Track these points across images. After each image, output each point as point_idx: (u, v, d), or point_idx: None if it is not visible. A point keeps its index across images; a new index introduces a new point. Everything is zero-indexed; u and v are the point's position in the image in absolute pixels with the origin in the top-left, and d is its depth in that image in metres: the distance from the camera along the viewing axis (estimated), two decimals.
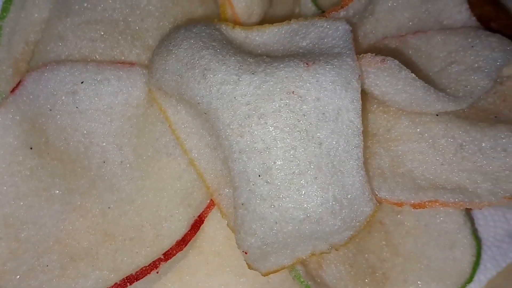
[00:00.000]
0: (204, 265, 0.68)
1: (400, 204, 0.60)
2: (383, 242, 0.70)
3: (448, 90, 0.63)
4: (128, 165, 0.65)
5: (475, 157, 0.62)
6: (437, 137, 0.62)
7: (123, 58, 0.66)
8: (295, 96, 0.53)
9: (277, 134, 0.53)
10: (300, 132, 0.53)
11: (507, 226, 0.77)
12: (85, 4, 0.66)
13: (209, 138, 0.61)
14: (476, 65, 0.65)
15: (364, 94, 0.64)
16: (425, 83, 0.60)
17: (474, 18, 0.72)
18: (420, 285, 0.68)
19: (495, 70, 0.65)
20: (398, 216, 0.70)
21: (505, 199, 0.60)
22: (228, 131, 0.53)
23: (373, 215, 0.56)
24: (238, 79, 0.53)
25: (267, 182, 0.53)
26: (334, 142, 0.53)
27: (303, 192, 0.53)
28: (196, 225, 0.64)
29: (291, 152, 0.53)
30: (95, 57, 0.65)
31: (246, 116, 0.53)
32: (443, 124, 0.63)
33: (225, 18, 0.67)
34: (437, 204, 0.60)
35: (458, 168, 0.61)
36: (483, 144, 0.62)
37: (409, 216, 0.70)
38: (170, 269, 0.66)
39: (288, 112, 0.53)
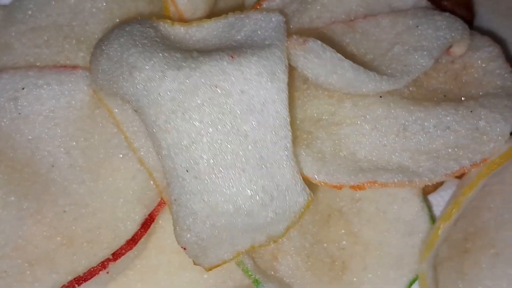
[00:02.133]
0: (166, 264, 0.68)
1: (339, 187, 0.60)
2: (343, 231, 0.69)
3: (389, 71, 0.62)
4: (78, 168, 0.65)
5: (418, 136, 0.61)
6: (380, 119, 0.62)
7: (68, 62, 0.67)
8: (218, 90, 0.53)
9: (202, 128, 0.52)
10: (225, 126, 0.53)
11: None
12: (29, 12, 0.67)
13: None
14: (418, 44, 0.64)
15: (307, 80, 0.64)
16: (366, 65, 0.60)
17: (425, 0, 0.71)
18: (379, 273, 0.67)
19: (437, 48, 0.64)
20: (357, 204, 0.70)
21: (444, 176, 0.60)
22: (155, 128, 0.53)
23: (307, 206, 0.55)
24: (163, 75, 0.53)
25: (195, 177, 0.53)
26: (261, 134, 0.53)
27: (231, 185, 0.53)
28: (147, 223, 0.65)
29: (217, 146, 0.53)
30: (40, 63, 0.65)
31: (171, 112, 0.53)
32: (386, 106, 0.62)
33: (168, 15, 0.67)
34: (376, 184, 0.60)
35: (401, 148, 0.61)
36: (426, 123, 0.61)
37: (368, 204, 0.69)
38: (124, 269, 0.66)
39: (211, 106, 0.52)
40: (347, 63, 0.58)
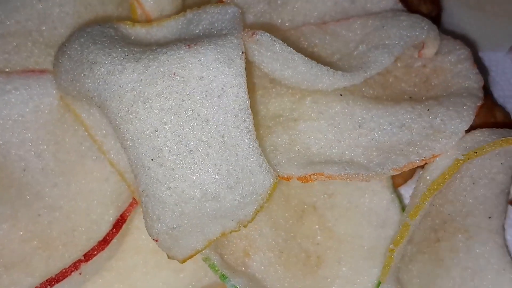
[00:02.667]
0: (143, 264, 0.69)
1: (287, 178, 0.60)
2: (316, 226, 0.70)
3: (350, 69, 0.64)
4: (50, 171, 0.66)
5: (373, 133, 0.62)
6: (337, 115, 0.63)
7: (37, 66, 0.67)
8: (177, 77, 0.54)
9: (163, 116, 0.53)
10: (185, 112, 0.53)
11: None
12: None
13: None
14: (381, 43, 0.66)
15: (274, 79, 0.65)
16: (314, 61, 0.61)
17: (400, 4, 0.72)
18: (353, 265, 0.67)
19: (398, 47, 0.65)
20: (330, 199, 0.70)
21: (392, 171, 0.61)
22: (118, 120, 0.54)
23: (274, 188, 0.56)
24: (123, 68, 0.55)
25: (160, 165, 0.54)
26: (222, 118, 0.54)
27: (196, 170, 0.53)
28: (118, 224, 0.65)
29: (179, 132, 0.53)
30: (10, 68, 0.66)
31: (132, 102, 0.54)
32: (344, 103, 0.64)
33: (135, 17, 0.69)
34: (322, 176, 0.60)
35: (355, 144, 0.62)
36: (382, 121, 0.63)
37: (341, 199, 0.70)
38: (98, 270, 0.66)
39: (171, 93, 0.53)
40: (297, 56, 0.59)
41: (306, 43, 0.68)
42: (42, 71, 0.66)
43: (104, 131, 0.64)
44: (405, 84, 0.69)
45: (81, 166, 0.68)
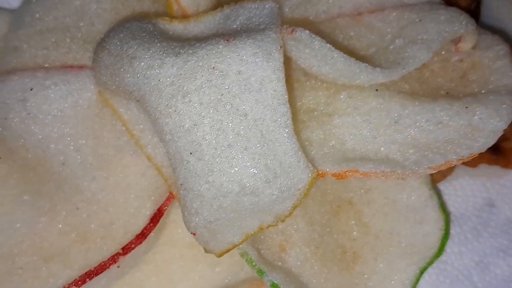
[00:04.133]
0: (179, 257, 0.69)
1: (322, 175, 0.60)
2: (353, 222, 0.69)
3: (387, 64, 0.63)
4: (88, 165, 0.67)
5: (409, 130, 0.61)
6: (373, 111, 0.62)
7: (76, 62, 0.68)
8: (216, 71, 0.54)
9: (202, 110, 0.53)
10: (224, 106, 0.54)
11: (486, 194, 0.75)
12: (37, 15, 0.69)
13: None
14: (419, 37, 0.65)
15: (308, 72, 0.65)
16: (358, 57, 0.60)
17: None
18: (390, 262, 0.67)
19: (437, 42, 0.64)
20: (367, 194, 0.70)
21: (428, 169, 0.60)
22: (157, 114, 0.55)
23: (312, 182, 0.56)
24: (162, 62, 0.55)
25: (199, 158, 0.54)
26: (260, 112, 0.54)
27: (235, 164, 0.53)
28: (156, 217, 0.65)
29: (218, 126, 0.54)
30: (48, 64, 0.67)
31: (171, 97, 0.54)
32: (380, 99, 0.62)
33: (171, 13, 0.69)
34: (358, 173, 0.60)
35: (390, 141, 0.61)
36: (419, 117, 0.61)
37: (378, 194, 0.70)
38: (135, 264, 0.67)
39: (210, 87, 0.54)
40: (336, 53, 0.58)
41: (341, 36, 0.68)
42: (81, 67, 0.66)
43: (142, 126, 0.65)
44: (441, 79, 0.68)
45: (118, 160, 0.68)
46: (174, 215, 0.71)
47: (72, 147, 0.66)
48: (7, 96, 0.64)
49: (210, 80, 0.54)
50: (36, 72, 0.65)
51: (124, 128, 0.68)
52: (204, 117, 0.54)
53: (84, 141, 0.67)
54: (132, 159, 0.69)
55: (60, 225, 0.67)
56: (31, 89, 0.64)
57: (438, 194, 0.70)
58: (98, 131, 0.67)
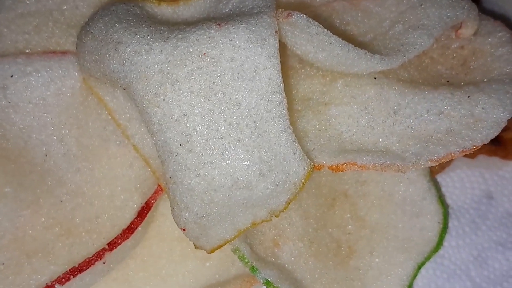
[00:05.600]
0: (168, 252, 0.67)
1: (318, 167, 0.57)
2: (348, 215, 0.67)
3: (386, 50, 0.60)
4: (72, 156, 0.64)
5: (409, 120, 0.59)
6: (370, 101, 0.59)
7: (59, 48, 0.65)
8: (207, 58, 0.51)
9: (193, 99, 0.50)
10: (216, 95, 0.51)
11: (485, 186, 0.73)
12: None
13: None
14: (419, 23, 0.62)
15: (303, 59, 0.62)
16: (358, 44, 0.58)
17: None
18: (386, 257, 0.65)
19: (438, 27, 0.61)
20: (363, 187, 0.67)
21: (429, 162, 0.57)
22: (144, 102, 0.52)
23: (308, 176, 0.53)
24: (150, 48, 0.52)
25: (189, 150, 0.51)
26: (254, 102, 0.51)
27: (227, 156, 0.51)
28: (143, 211, 0.63)
29: (209, 116, 0.51)
30: (30, 49, 0.64)
31: (159, 85, 0.51)
32: (378, 87, 0.60)
33: None
34: (355, 166, 0.57)
35: (389, 132, 0.59)
36: (419, 107, 0.59)
37: (374, 186, 0.67)
38: (122, 259, 0.64)
39: (201, 75, 0.51)
40: (334, 39, 0.56)
41: (338, 21, 0.65)
42: (64, 53, 0.63)
43: (128, 115, 0.62)
44: (441, 67, 0.66)
45: (104, 151, 0.65)
46: (162, 208, 0.68)
47: (55, 137, 0.63)
48: None
49: (201, 67, 0.51)
50: (17, 58, 0.61)
51: (110, 118, 0.65)
52: (194, 106, 0.51)
53: (67, 131, 0.64)
54: (118, 150, 0.66)
55: (43, 219, 0.64)
56: (12, 76, 0.61)
57: (437, 186, 0.68)
58: (83, 121, 0.64)
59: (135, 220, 0.62)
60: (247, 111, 0.51)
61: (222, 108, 0.51)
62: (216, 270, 0.66)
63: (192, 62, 0.51)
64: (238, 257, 0.60)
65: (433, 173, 0.69)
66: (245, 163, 0.51)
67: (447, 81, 0.63)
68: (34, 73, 0.61)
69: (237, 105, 0.51)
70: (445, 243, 0.70)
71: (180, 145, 0.51)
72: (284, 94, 0.52)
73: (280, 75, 0.51)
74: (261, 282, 0.59)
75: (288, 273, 0.62)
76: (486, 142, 0.57)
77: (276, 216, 0.55)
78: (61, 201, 0.64)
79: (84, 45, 0.57)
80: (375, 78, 0.60)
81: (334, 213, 0.67)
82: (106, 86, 0.61)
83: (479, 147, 0.57)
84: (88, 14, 0.67)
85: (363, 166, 0.57)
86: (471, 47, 0.66)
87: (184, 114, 0.51)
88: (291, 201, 0.54)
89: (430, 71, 0.65)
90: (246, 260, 0.60)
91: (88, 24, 0.57)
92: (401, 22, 0.62)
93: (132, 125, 0.62)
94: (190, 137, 0.51)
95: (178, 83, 0.51)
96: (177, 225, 0.55)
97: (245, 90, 0.51)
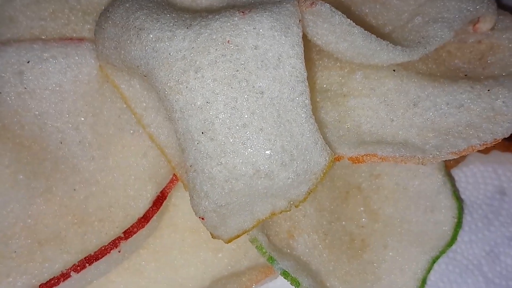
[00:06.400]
0: (180, 242, 0.66)
1: (338, 158, 0.57)
2: (362, 208, 0.66)
3: (406, 43, 0.60)
4: (87, 144, 0.63)
5: (429, 113, 0.59)
6: (390, 93, 0.59)
7: (74, 34, 0.64)
8: (231, 45, 0.50)
9: (216, 86, 0.50)
10: (239, 82, 0.50)
11: (498, 182, 0.73)
12: None
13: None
14: (439, 15, 0.62)
15: (321, 50, 0.62)
16: (378, 35, 0.57)
17: None
18: (400, 250, 0.64)
19: (458, 20, 0.61)
20: (377, 180, 0.67)
21: (450, 154, 0.57)
22: (166, 90, 0.51)
23: (329, 166, 0.53)
24: (173, 35, 0.51)
25: (211, 138, 0.50)
26: (277, 90, 0.50)
27: (249, 145, 0.50)
28: (159, 201, 0.62)
29: (232, 104, 0.50)
30: (46, 36, 0.63)
31: (182, 72, 0.50)
32: (398, 79, 0.60)
33: None
34: (376, 158, 0.57)
35: (409, 124, 0.59)
36: (438, 100, 0.59)
37: (388, 180, 0.67)
38: (137, 248, 0.64)
39: (224, 62, 0.50)
40: (357, 29, 0.55)
41: (357, 13, 0.65)
42: (81, 39, 0.62)
43: (145, 104, 0.61)
44: (458, 61, 0.66)
45: (118, 140, 0.65)
46: (175, 199, 0.68)
47: (70, 125, 0.63)
48: (2, 69, 0.60)
49: (225, 55, 0.50)
50: (34, 44, 0.61)
51: (125, 106, 0.64)
52: (217, 94, 0.50)
53: (83, 119, 0.63)
54: (132, 139, 0.66)
55: (56, 207, 0.64)
56: (28, 62, 0.60)
57: (452, 181, 0.68)
58: (98, 109, 0.64)
59: (150, 209, 0.62)
60: (270, 99, 0.50)
61: (245, 96, 0.50)
62: (228, 261, 0.66)
63: (216, 49, 0.50)
64: (256, 247, 0.60)
65: (447, 167, 0.68)
66: (267, 152, 0.50)
67: (465, 75, 0.63)
68: (51, 59, 0.60)
69: (260, 94, 0.50)
70: (458, 238, 0.70)
71: (202, 133, 0.51)
72: (307, 83, 0.51)
73: (304, 64, 0.51)
74: (279, 272, 0.59)
75: (304, 264, 0.62)
76: (507, 135, 0.57)
77: (296, 207, 0.54)
78: (75, 190, 0.64)
79: (104, 31, 0.56)
80: (394, 70, 0.60)
81: (347, 206, 0.67)
82: (123, 74, 0.60)
83: (499, 141, 0.57)
84: (104, 2, 0.66)
85: (384, 158, 0.56)
86: (489, 42, 0.66)
87: (207, 102, 0.50)
88: (311, 191, 0.54)
89: (448, 65, 0.65)
90: (264, 250, 0.59)
91: (108, 10, 0.56)
92: (421, 15, 0.62)
93: (148, 114, 0.61)
94: (212, 125, 0.50)
95: (202, 70, 0.50)
96: (196, 213, 0.54)
97: (269, 79, 0.50)
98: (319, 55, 0.63)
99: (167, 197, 0.63)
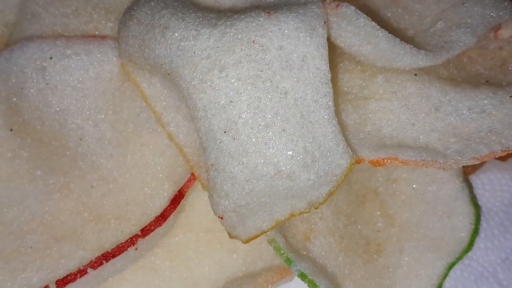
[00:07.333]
0: (195, 242, 0.66)
1: (359, 161, 0.57)
2: (378, 212, 0.66)
3: (429, 47, 0.60)
4: (106, 142, 0.63)
5: (450, 118, 0.58)
6: (411, 97, 0.59)
7: (96, 32, 0.65)
8: (256, 45, 0.50)
9: (240, 86, 0.50)
10: (263, 83, 0.50)
11: None
12: None
13: (186, 110, 0.59)
14: (462, 21, 0.62)
15: (342, 53, 0.62)
16: (403, 39, 0.57)
17: None
18: (416, 256, 0.64)
19: (482, 26, 0.61)
20: (394, 185, 0.67)
21: (472, 160, 0.57)
22: (190, 88, 0.51)
23: (350, 168, 0.53)
24: (198, 34, 0.51)
25: (233, 138, 0.51)
26: (301, 91, 0.51)
27: (272, 145, 0.50)
28: (176, 199, 0.62)
29: (256, 104, 0.50)
30: (68, 33, 0.64)
31: (207, 71, 0.50)
32: (420, 84, 0.60)
33: None
34: (397, 161, 0.57)
35: (430, 129, 0.58)
36: (460, 105, 0.58)
37: (405, 185, 0.67)
38: (153, 246, 0.64)
39: (249, 62, 0.50)
40: (381, 32, 0.55)
41: (379, 16, 0.65)
42: (103, 37, 0.63)
43: (164, 103, 0.61)
44: (479, 67, 0.65)
45: (137, 138, 0.65)
46: (191, 199, 0.68)
47: (91, 122, 0.63)
48: (25, 64, 0.61)
49: (250, 55, 0.50)
50: (57, 40, 0.61)
51: (144, 105, 0.64)
52: (241, 93, 0.50)
53: (103, 116, 0.63)
54: (151, 138, 0.66)
55: (73, 204, 0.64)
56: (51, 58, 0.60)
57: (470, 187, 0.67)
58: (118, 106, 0.64)
59: (168, 207, 0.62)
60: (294, 100, 0.50)
61: (269, 96, 0.50)
62: (243, 262, 0.66)
63: (241, 49, 0.50)
64: (274, 248, 0.60)
65: (465, 174, 0.68)
66: (289, 152, 0.50)
67: (486, 81, 0.63)
68: (73, 56, 0.61)
69: (284, 94, 0.50)
70: (474, 245, 0.69)
71: (225, 132, 0.51)
72: (331, 85, 0.51)
73: (328, 66, 0.51)
74: (296, 274, 0.59)
75: (320, 267, 0.62)
76: None
77: (316, 208, 0.54)
78: (92, 187, 0.64)
79: (128, 29, 0.56)
80: (415, 74, 0.60)
81: (364, 210, 0.67)
82: (144, 72, 0.60)
83: None
84: (127, 0, 0.66)
85: (405, 162, 0.56)
86: (510, 49, 0.66)
87: (231, 101, 0.50)
88: (331, 193, 0.54)
89: (469, 71, 0.65)
90: (281, 251, 0.59)
91: (133, 9, 0.57)
92: (443, 20, 0.62)
93: (168, 112, 0.61)
94: (235, 124, 0.50)
95: (226, 69, 0.50)
96: (215, 213, 0.54)
97: (293, 79, 0.50)
98: (340, 57, 0.63)
99: (184, 196, 0.63)
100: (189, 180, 0.64)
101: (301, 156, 0.51)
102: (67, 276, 0.58)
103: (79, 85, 0.61)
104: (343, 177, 0.53)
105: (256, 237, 0.56)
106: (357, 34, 0.55)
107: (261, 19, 0.51)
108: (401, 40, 0.55)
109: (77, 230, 0.63)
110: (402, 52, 0.55)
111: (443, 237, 0.65)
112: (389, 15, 0.65)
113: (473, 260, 0.70)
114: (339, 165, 0.52)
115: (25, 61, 0.61)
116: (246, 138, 0.50)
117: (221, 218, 0.54)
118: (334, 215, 0.65)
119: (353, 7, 0.53)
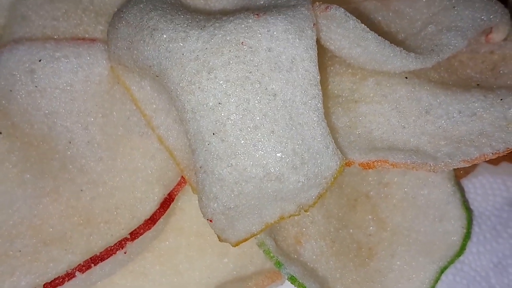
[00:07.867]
0: (185, 246, 0.66)
1: (349, 164, 0.57)
2: (369, 216, 0.66)
3: (419, 50, 0.60)
4: (96, 145, 0.63)
5: (441, 120, 0.58)
6: (402, 100, 0.59)
7: (87, 35, 0.64)
8: (245, 47, 0.50)
9: (228, 87, 0.50)
10: (252, 84, 0.50)
11: (507, 194, 0.72)
12: None
13: (176, 113, 0.59)
14: (453, 24, 0.62)
15: (333, 56, 0.62)
16: (393, 43, 0.57)
17: None
18: (407, 260, 0.64)
19: (472, 30, 0.61)
20: (385, 188, 0.67)
21: (462, 162, 0.57)
22: (178, 90, 0.51)
23: (340, 171, 0.52)
24: (186, 35, 0.51)
25: (222, 140, 0.50)
26: (290, 93, 0.50)
27: (260, 147, 0.50)
28: (166, 203, 0.62)
29: (244, 106, 0.50)
30: (58, 35, 0.64)
31: (195, 72, 0.50)
32: (410, 87, 0.60)
33: None
34: (387, 164, 0.57)
35: (420, 132, 0.58)
36: (451, 108, 0.58)
37: (397, 189, 0.67)
38: (142, 250, 0.63)
39: (238, 64, 0.50)
40: (371, 35, 0.55)
41: (369, 21, 0.65)
42: (93, 40, 0.62)
43: (154, 106, 0.61)
44: (470, 70, 0.66)
45: (127, 141, 0.65)
46: (181, 203, 0.67)
47: (80, 125, 0.62)
48: (14, 67, 0.60)
49: (238, 56, 0.50)
50: (46, 43, 0.61)
51: (134, 108, 0.64)
52: (230, 95, 0.50)
53: (92, 119, 0.63)
54: (141, 141, 0.65)
55: (62, 207, 0.63)
56: (40, 60, 0.60)
57: (461, 191, 0.67)
58: (108, 109, 0.64)
59: (157, 211, 0.61)
60: (283, 102, 0.50)
61: (258, 98, 0.50)
62: (234, 266, 0.66)
63: (230, 50, 0.50)
64: (264, 251, 0.59)
65: (457, 177, 0.68)
66: (278, 154, 0.50)
67: (477, 84, 0.63)
68: (63, 58, 0.60)
69: (273, 96, 0.50)
70: (466, 249, 0.69)
71: (213, 134, 0.50)
72: (320, 87, 0.51)
73: (317, 67, 0.51)
74: (286, 277, 0.59)
75: (311, 271, 0.62)
76: None
77: (305, 211, 0.54)
78: (81, 190, 0.64)
79: (117, 31, 0.56)
80: (406, 77, 0.60)
81: (355, 214, 0.67)
82: (134, 75, 0.60)
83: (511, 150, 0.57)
84: (117, 3, 0.66)
85: (395, 164, 0.56)
86: (501, 53, 0.66)
87: (219, 103, 0.50)
88: (321, 196, 0.53)
89: (460, 74, 0.65)
90: (271, 254, 0.59)
91: (122, 11, 0.57)
92: (434, 23, 0.62)
93: (158, 115, 0.61)
94: (223, 126, 0.50)
95: (215, 71, 0.50)
96: (204, 216, 0.54)
97: (282, 81, 0.50)
98: (330, 61, 0.63)
99: (174, 200, 0.62)
100: (179, 184, 0.63)
101: (290, 158, 0.50)
102: (55, 279, 0.58)
103: (68, 88, 0.61)
104: (332, 179, 0.53)
105: (245, 240, 0.56)
106: (347, 37, 0.55)
107: (250, 21, 0.51)
108: (391, 43, 0.55)
109: (66, 234, 0.63)
110: (391, 54, 0.55)
111: (434, 241, 0.65)
112: (380, 18, 0.65)
113: (465, 265, 0.70)
114: (329, 167, 0.52)
115: (14, 63, 0.60)
116: (234, 140, 0.50)
117: (210, 221, 0.54)
118: (326, 218, 0.65)
119: (342, 10, 0.53)
